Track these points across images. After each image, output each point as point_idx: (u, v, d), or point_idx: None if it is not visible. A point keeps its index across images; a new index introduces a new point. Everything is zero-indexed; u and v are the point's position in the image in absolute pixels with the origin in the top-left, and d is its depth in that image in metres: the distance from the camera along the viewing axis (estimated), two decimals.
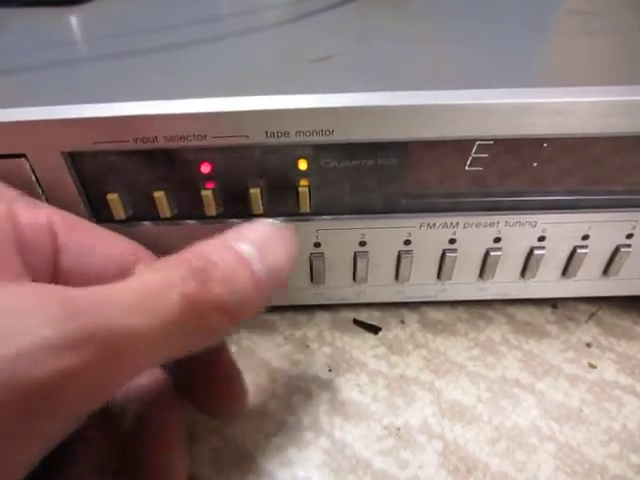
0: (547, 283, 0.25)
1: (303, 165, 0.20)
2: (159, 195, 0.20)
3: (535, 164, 0.20)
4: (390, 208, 0.22)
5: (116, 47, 0.25)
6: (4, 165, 0.18)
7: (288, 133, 0.18)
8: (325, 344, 0.26)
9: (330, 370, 0.24)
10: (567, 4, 0.32)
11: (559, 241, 0.23)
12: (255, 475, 0.20)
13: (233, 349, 0.25)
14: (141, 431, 0.17)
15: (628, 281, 0.25)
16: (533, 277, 0.24)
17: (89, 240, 0.17)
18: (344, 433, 0.21)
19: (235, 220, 0.21)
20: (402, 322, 0.27)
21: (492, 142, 0.19)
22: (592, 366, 0.24)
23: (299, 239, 0.17)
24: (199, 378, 0.19)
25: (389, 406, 0.22)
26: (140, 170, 0.20)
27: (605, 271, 0.24)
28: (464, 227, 0.22)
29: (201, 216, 0.21)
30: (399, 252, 0.23)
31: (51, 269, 0.16)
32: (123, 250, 0.18)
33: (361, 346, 0.25)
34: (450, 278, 0.24)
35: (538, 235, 0.22)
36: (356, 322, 0.27)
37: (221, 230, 0.15)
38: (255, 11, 0.32)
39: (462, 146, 0.20)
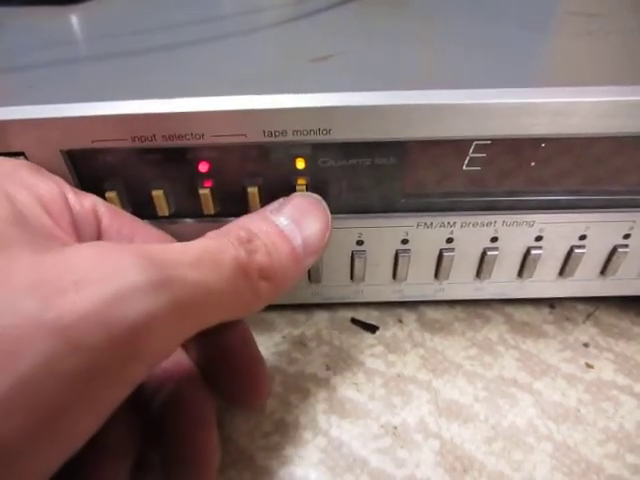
0: (544, 283, 0.25)
1: (301, 164, 0.20)
2: (157, 194, 0.20)
3: (533, 164, 0.20)
4: (387, 207, 0.22)
5: (115, 46, 0.25)
6: None
7: (286, 132, 0.18)
8: (323, 343, 0.26)
9: (328, 369, 0.24)
10: (567, 5, 0.32)
11: (556, 241, 0.23)
12: (252, 473, 0.20)
13: None
14: (174, 413, 0.18)
15: (625, 281, 0.25)
16: (530, 277, 0.24)
17: (129, 229, 0.18)
18: (341, 431, 0.22)
19: (233, 219, 0.21)
20: (400, 321, 0.27)
21: (490, 142, 0.19)
22: (589, 366, 0.24)
23: None
24: (225, 366, 0.19)
25: (386, 405, 0.23)
26: (138, 169, 0.20)
27: (603, 271, 0.24)
28: (461, 227, 0.22)
29: (199, 215, 0.21)
30: (397, 251, 0.23)
31: None
32: (159, 240, 0.19)
33: (359, 345, 0.26)
34: (447, 277, 0.24)
35: (535, 235, 0.22)
36: (354, 321, 0.27)
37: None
38: (254, 11, 0.32)
39: (460, 146, 0.20)
